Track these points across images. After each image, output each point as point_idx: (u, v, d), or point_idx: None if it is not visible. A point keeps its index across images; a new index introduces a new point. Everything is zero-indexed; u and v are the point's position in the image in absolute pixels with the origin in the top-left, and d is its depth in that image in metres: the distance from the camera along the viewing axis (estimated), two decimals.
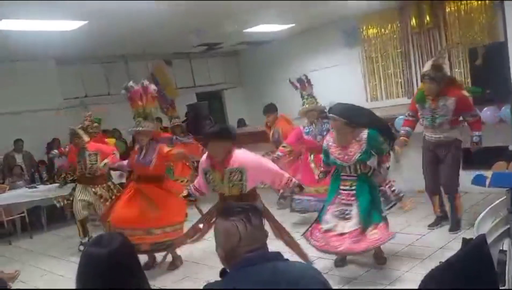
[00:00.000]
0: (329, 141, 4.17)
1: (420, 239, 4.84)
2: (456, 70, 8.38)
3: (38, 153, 8.89)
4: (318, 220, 4.14)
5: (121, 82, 10.05)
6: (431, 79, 4.64)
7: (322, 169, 4.49)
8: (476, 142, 4.87)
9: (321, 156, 4.47)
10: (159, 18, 6.87)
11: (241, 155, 3.71)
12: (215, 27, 8.16)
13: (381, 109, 8.34)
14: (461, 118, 4.91)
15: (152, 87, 5.10)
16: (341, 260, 4.33)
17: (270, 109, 6.81)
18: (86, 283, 1.66)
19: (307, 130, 5.81)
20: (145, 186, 4.93)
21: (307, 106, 5.73)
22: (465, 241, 2.11)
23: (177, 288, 4.49)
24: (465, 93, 4.93)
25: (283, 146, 5.78)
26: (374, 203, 3.96)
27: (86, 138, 6.10)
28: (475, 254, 2.18)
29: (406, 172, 5.97)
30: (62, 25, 6.62)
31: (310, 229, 4.15)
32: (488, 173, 2.54)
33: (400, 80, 9.16)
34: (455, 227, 4.92)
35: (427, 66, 4.81)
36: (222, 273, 1.74)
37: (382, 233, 3.85)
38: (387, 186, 4.05)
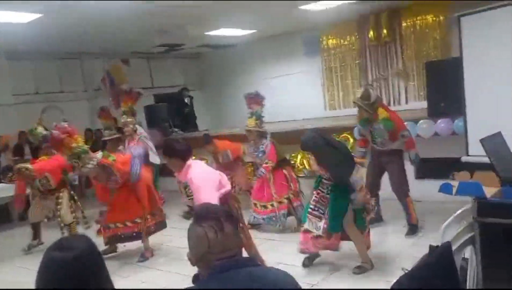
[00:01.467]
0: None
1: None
2: (412, 83, 8.71)
3: None
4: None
5: (76, 80, 9.96)
6: (360, 107, 4.97)
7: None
8: (413, 159, 5.17)
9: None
10: (118, 16, 6.70)
11: (191, 170, 3.72)
12: (177, 28, 8.05)
13: (338, 118, 8.52)
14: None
15: (63, 124, 5.00)
16: (309, 260, 4.50)
17: (209, 139, 6.75)
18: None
19: (250, 150, 6.00)
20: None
21: (247, 125, 5.86)
22: (431, 248, 2.15)
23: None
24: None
25: (267, 163, 5.78)
26: (341, 212, 4.14)
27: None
28: (441, 261, 2.25)
29: None
30: (16, 17, 6.30)
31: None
32: (454, 182, 2.61)
33: (357, 90, 9.35)
34: (413, 230, 5.14)
35: (358, 95, 5.12)
36: (195, 278, 1.68)
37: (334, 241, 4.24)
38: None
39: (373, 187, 5.22)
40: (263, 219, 5.85)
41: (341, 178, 4.11)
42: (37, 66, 9.50)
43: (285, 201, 5.78)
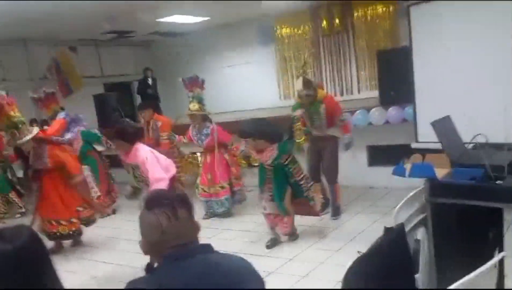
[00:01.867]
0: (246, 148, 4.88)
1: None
2: (363, 72, 8.87)
3: None
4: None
5: (19, 67, 9.45)
6: (306, 96, 5.25)
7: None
8: (346, 143, 5.48)
9: None
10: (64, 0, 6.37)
11: (141, 151, 3.95)
12: (127, 15, 7.78)
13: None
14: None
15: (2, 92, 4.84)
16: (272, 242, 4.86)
17: (146, 106, 7.07)
18: None
19: (193, 133, 6.04)
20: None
21: (189, 109, 5.92)
22: (386, 229, 2.18)
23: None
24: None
25: (232, 144, 6.07)
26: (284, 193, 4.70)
27: None
28: (396, 243, 2.29)
29: None
30: None
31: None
32: (407, 165, 2.66)
33: (311, 79, 9.43)
34: (336, 213, 5.51)
35: (299, 85, 5.35)
36: (148, 268, 1.61)
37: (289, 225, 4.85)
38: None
39: (315, 172, 5.54)
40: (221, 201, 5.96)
41: (277, 136, 4.61)
42: None
43: (227, 186, 5.94)
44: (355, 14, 8.76)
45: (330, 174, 5.50)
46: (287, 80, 9.64)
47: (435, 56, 5.36)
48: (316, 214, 5.00)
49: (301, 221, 5.34)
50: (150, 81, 10.39)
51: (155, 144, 6.27)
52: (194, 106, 5.86)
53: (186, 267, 1.52)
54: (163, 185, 3.77)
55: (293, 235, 4.90)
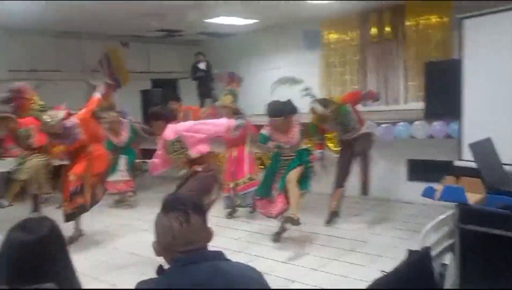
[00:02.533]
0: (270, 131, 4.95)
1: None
2: (411, 83, 8.62)
3: None
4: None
5: (73, 59, 9.85)
6: (330, 112, 5.36)
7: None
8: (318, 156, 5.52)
9: None
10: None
11: (175, 127, 4.24)
12: (177, 14, 7.94)
13: None
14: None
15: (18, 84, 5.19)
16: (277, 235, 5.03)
17: (175, 98, 7.37)
18: (7, 272, 1.51)
19: None
20: None
21: (221, 102, 6.09)
22: (410, 252, 2.10)
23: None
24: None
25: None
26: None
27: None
28: (419, 266, 2.20)
29: None
30: None
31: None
32: (438, 186, 2.56)
33: (355, 86, 9.28)
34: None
35: (318, 108, 5.46)
36: (159, 269, 1.63)
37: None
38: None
39: (344, 177, 5.54)
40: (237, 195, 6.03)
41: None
42: (35, 43, 9.37)
43: (255, 177, 6.01)
44: (407, 23, 8.54)
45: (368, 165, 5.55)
46: (329, 86, 9.52)
47: (487, 72, 5.12)
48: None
49: (331, 231, 5.28)
50: (201, 65, 10.33)
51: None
52: (227, 98, 6.00)
53: (194, 272, 1.53)
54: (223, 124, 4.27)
55: (293, 220, 4.66)
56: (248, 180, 6.01)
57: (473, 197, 2.42)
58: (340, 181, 5.54)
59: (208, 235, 1.65)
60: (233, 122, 4.41)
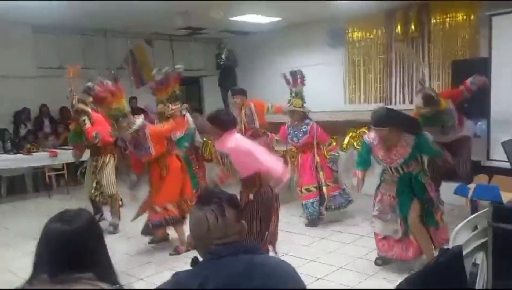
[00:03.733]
0: (373, 140, 3.95)
1: None
2: (435, 81, 8.50)
3: (3, 121, 8.53)
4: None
5: (99, 57, 10.01)
6: (427, 112, 4.70)
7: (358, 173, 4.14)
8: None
9: None
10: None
11: (227, 140, 3.59)
12: (201, 12, 7.99)
13: (358, 112, 8.39)
14: None
15: (109, 82, 4.68)
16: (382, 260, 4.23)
17: (239, 91, 6.55)
18: (46, 261, 1.56)
19: (289, 130, 5.73)
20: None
21: (292, 106, 5.60)
22: (441, 251, 2.08)
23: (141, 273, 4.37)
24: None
25: (329, 144, 5.82)
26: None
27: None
28: (450, 264, 2.18)
29: None
30: None
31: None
32: (471, 185, 2.52)
33: (379, 85, 9.21)
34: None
35: (420, 102, 4.82)
36: (193, 261, 1.65)
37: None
38: None
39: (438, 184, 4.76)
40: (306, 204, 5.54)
41: (415, 126, 3.78)
42: (61, 41, 9.57)
43: (314, 189, 5.54)
44: (433, 21, 8.42)
45: (469, 172, 4.68)
46: (354, 85, 9.47)
47: None
48: (440, 242, 3.83)
49: (361, 230, 5.21)
50: (224, 53, 10.26)
51: (254, 135, 5.98)
52: (297, 102, 5.55)
53: (229, 264, 1.55)
54: (280, 167, 3.51)
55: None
56: (306, 191, 5.55)
57: (507, 196, 2.39)
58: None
59: (242, 229, 1.67)
60: (286, 173, 3.59)
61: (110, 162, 5.63)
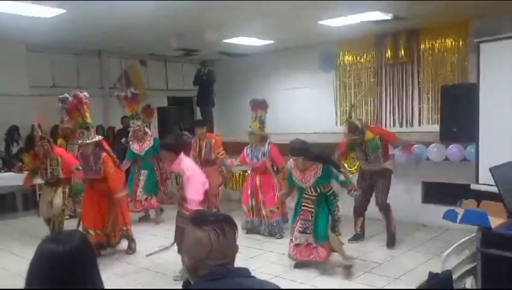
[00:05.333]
0: (292, 164, 4.73)
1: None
2: (425, 105, 8.65)
3: None
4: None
5: (93, 76, 10.07)
6: (354, 139, 5.34)
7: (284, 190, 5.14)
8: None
9: None
10: (139, 17, 6.77)
11: (184, 162, 4.41)
12: (195, 34, 8.10)
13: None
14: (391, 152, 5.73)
15: (83, 94, 5.17)
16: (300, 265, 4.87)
17: (202, 122, 7.47)
18: (38, 281, 1.56)
19: (248, 152, 6.19)
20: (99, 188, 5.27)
21: (250, 128, 6.11)
22: (431, 275, 2.11)
23: None
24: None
25: (236, 162, 6.37)
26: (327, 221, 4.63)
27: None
28: (441, 289, 2.21)
29: None
30: (40, 11, 6.39)
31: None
32: (460, 210, 2.57)
33: (370, 108, 9.34)
34: (392, 242, 5.49)
35: (346, 129, 5.42)
36: (185, 284, 1.66)
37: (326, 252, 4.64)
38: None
39: (362, 209, 5.68)
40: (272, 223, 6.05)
41: (334, 165, 4.62)
42: (55, 60, 9.63)
43: (276, 209, 6.04)
44: (422, 46, 8.60)
45: (385, 204, 5.49)
46: (345, 107, 9.59)
47: (504, 96, 5.13)
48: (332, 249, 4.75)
49: (347, 252, 5.23)
50: (204, 71, 10.30)
51: (205, 163, 6.64)
52: (255, 125, 6.07)
53: (222, 287, 1.54)
54: (196, 206, 4.13)
55: (346, 267, 4.65)
56: (270, 213, 6.05)
57: (495, 221, 2.43)
58: (357, 211, 5.69)
59: (236, 248, 1.67)
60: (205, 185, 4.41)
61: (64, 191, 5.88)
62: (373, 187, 5.55)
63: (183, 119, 10.47)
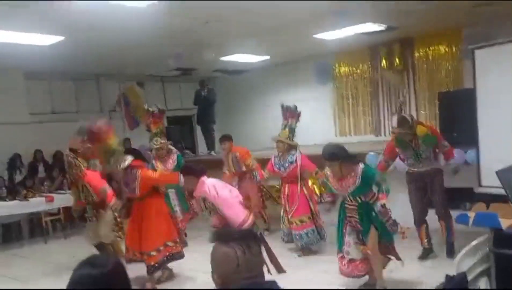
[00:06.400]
0: (328, 173, 4.32)
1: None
2: (422, 112, 8.75)
3: None
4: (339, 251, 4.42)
5: (91, 101, 10.14)
6: (401, 133, 5.00)
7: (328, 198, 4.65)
8: (453, 168, 5.27)
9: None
10: (136, 39, 6.84)
11: (208, 184, 4.39)
12: (191, 53, 8.21)
13: (349, 144, 8.55)
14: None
15: (102, 122, 5.04)
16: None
17: (226, 137, 6.97)
18: None
19: (275, 161, 5.98)
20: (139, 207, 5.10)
21: (278, 136, 5.89)
22: (448, 278, 2.17)
23: None
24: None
25: (316, 173, 5.78)
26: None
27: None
28: None
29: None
30: (39, 39, 6.47)
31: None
32: (471, 213, 2.64)
33: (368, 117, 9.45)
34: (451, 251, 5.10)
35: (395, 123, 5.13)
36: None
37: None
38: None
39: (421, 213, 5.18)
40: (300, 235, 5.74)
41: (372, 176, 4.12)
42: (54, 86, 9.72)
43: (307, 220, 5.75)
44: (416, 54, 8.74)
45: (444, 210, 5.13)
46: (344, 118, 9.70)
47: (500, 100, 5.24)
48: (397, 256, 4.35)
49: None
50: (205, 92, 10.41)
51: (241, 178, 6.56)
52: (284, 133, 5.85)
53: None
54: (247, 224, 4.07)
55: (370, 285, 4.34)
56: (299, 222, 5.75)
57: (506, 223, 2.50)
58: (419, 219, 5.23)
59: (263, 262, 1.74)
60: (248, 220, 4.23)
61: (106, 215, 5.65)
62: (426, 188, 5.17)
63: (184, 138, 10.55)
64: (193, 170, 4.56)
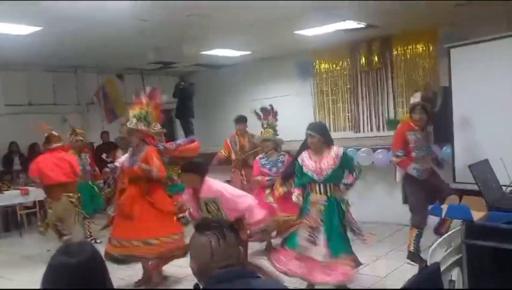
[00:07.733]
0: (304, 156, 4.14)
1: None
2: (400, 109, 8.89)
3: None
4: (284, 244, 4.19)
5: (69, 93, 9.99)
6: (423, 109, 4.89)
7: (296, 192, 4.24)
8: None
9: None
10: (115, 31, 6.77)
11: (214, 185, 3.97)
12: (172, 47, 8.16)
13: None
14: None
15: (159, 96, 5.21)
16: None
17: (243, 118, 6.85)
18: None
19: (263, 162, 5.81)
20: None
21: (263, 135, 5.83)
22: (420, 268, 2.23)
23: None
24: None
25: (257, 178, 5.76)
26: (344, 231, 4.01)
27: None
28: (429, 281, 2.33)
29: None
30: (16, 29, 6.34)
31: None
32: (444, 205, 2.72)
33: (348, 114, 9.55)
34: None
35: (418, 97, 5.01)
36: (195, 288, 1.73)
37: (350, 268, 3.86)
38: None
39: (426, 216, 4.75)
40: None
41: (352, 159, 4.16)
42: (31, 78, 9.54)
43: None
44: (395, 52, 8.87)
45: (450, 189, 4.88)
46: (323, 114, 9.78)
47: (474, 98, 5.39)
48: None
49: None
50: (184, 84, 10.47)
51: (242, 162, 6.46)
52: (268, 132, 5.81)
53: (231, 288, 1.63)
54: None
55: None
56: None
57: (477, 215, 2.58)
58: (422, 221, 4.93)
59: (240, 253, 1.78)
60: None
61: None
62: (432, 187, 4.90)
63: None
64: (197, 167, 3.99)
